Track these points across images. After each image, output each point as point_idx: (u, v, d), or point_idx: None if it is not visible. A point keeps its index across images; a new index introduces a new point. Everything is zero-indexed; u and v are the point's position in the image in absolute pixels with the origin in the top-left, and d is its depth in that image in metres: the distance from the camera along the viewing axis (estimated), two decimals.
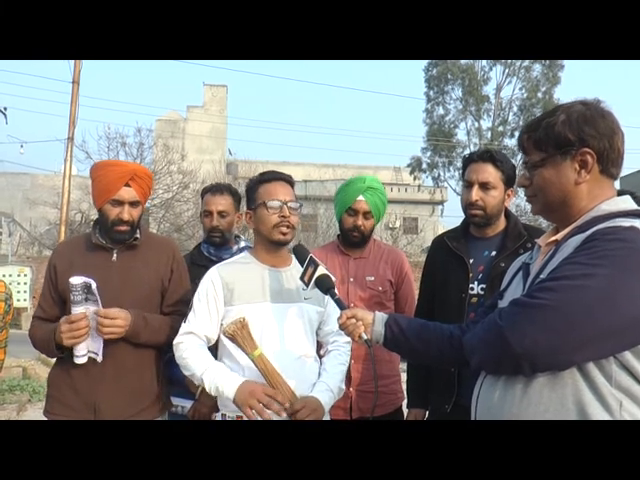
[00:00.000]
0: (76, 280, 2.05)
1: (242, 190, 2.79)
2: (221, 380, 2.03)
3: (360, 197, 2.70)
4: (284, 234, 2.16)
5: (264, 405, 1.96)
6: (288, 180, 2.26)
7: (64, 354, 2.23)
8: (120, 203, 2.27)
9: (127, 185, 2.26)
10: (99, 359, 2.19)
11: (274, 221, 2.15)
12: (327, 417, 2.20)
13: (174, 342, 2.17)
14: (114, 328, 2.14)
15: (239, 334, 2.01)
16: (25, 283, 15.57)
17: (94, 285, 2.07)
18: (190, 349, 2.11)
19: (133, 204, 2.29)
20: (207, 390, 2.08)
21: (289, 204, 2.17)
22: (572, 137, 1.38)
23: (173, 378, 2.63)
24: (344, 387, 2.24)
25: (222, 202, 2.92)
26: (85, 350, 2.17)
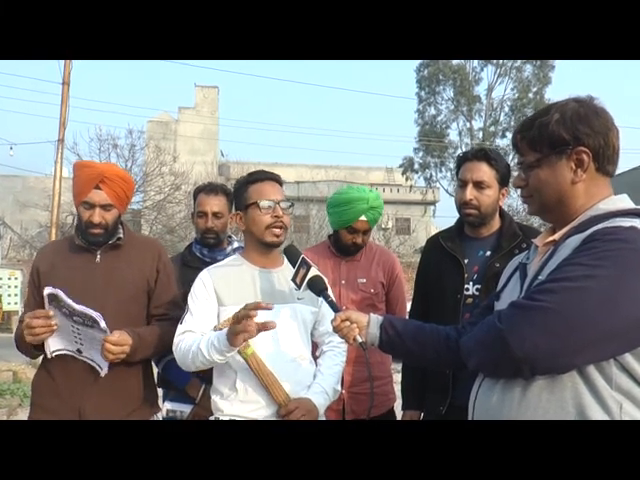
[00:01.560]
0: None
1: None
2: (213, 336, 1.95)
3: (362, 217, 2.68)
4: (277, 236, 2.13)
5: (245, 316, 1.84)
6: (277, 179, 2.23)
7: (38, 354, 2.24)
8: (91, 206, 2.23)
9: (98, 187, 2.22)
10: (102, 373, 2.16)
11: (267, 221, 2.11)
12: (322, 419, 2.17)
13: (173, 346, 2.11)
14: (121, 355, 2.11)
15: None
16: (16, 286, 15.50)
17: (102, 321, 2.04)
18: (184, 340, 2.05)
19: (105, 207, 2.25)
20: (207, 357, 1.94)
21: (281, 204, 2.14)
22: (567, 136, 1.36)
23: (171, 383, 2.60)
24: (339, 388, 2.22)
25: (216, 203, 2.85)
26: (57, 347, 2.15)
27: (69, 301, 2.02)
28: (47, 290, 2.05)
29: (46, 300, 2.06)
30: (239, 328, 1.82)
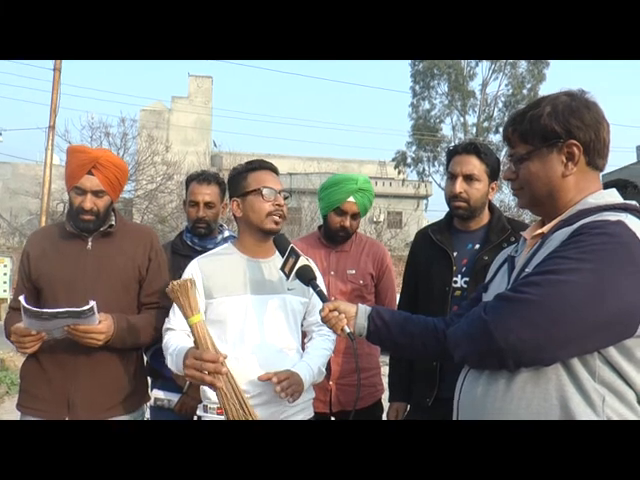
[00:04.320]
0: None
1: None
2: (177, 359, 1.98)
3: (350, 198, 2.67)
4: (277, 223, 2.14)
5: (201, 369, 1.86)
6: (275, 170, 2.24)
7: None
8: (83, 191, 2.21)
9: (90, 173, 2.20)
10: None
11: (268, 209, 2.12)
12: (309, 395, 2.18)
13: (163, 342, 2.13)
14: (89, 341, 2.08)
15: (179, 293, 1.90)
16: (5, 274, 15.39)
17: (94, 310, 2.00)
18: (170, 342, 2.08)
19: (96, 193, 2.22)
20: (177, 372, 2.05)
21: (282, 193, 2.16)
22: (558, 129, 1.36)
23: (159, 371, 2.60)
24: (324, 371, 2.22)
25: (209, 192, 2.83)
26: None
27: (46, 310, 1.98)
28: (22, 302, 1.96)
29: (22, 311, 1.98)
30: (192, 376, 1.87)
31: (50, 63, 13.37)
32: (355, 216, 2.72)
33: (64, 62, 13.04)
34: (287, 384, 1.97)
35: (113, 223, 2.32)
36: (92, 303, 1.99)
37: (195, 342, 1.92)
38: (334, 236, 2.75)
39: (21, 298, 1.98)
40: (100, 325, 2.08)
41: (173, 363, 2.02)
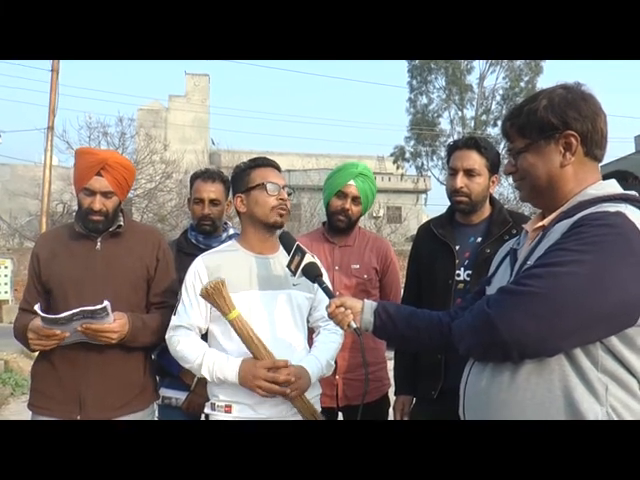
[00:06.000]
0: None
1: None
2: (220, 367, 2.04)
3: (351, 181, 2.71)
4: (281, 215, 2.17)
5: (270, 381, 1.98)
6: (278, 167, 2.27)
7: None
8: (92, 192, 2.24)
9: (99, 174, 2.23)
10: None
11: (273, 203, 2.15)
12: (316, 391, 2.20)
13: (166, 337, 2.17)
14: (103, 339, 2.13)
15: (213, 293, 1.99)
16: (6, 275, 15.38)
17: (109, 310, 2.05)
18: (182, 340, 2.11)
19: (105, 194, 2.25)
20: (209, 379, 2.08)
21: (285, 189, 2.19)
22: (555, 121, 1.38)
23: (166, 370, 2.61)
24: (334, 363, 2.24)
25: (213, 190, 2.83)
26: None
27: (63, 314, 2.02)
28: (38, 311, 2.03)
29: (40, 320, 2.05)
30: (261, 387, 1.99)
31: (48, 65, 13.37)
32: (356, 200, 2.73)
33: (62, 63, 13.02)
34: (285, 371, 2.01)
35: (122, 223, 2.34)
36: (106, 303, 2.03)
37: (239, 335, 2.01)
38: (335, 222, 2.76)
39: (37, 308, 2.03)
40: (114, 324, 2.12)
41: (216, 373, 2.04)
